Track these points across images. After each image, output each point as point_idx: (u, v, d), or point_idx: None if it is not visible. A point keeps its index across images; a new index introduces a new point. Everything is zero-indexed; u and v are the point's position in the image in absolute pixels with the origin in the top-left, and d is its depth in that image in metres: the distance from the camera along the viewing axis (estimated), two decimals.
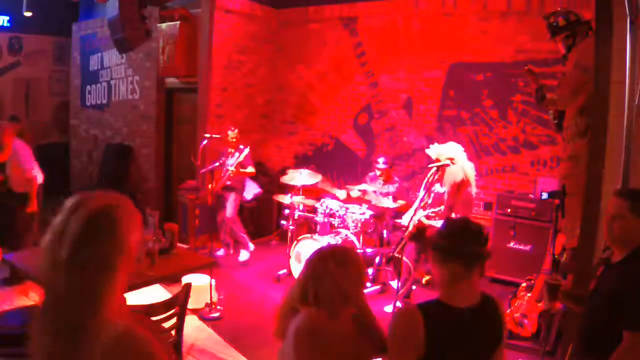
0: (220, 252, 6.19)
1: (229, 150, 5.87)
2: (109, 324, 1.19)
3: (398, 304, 4.19)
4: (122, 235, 1.24)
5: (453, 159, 4.20)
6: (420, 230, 4.35)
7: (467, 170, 4.25)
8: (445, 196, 4.28)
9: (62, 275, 1.18)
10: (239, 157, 5.69)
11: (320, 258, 1.84)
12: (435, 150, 4.32)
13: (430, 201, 4.40)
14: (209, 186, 5.65)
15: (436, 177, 4.35)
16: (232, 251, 6.17)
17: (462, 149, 4.37)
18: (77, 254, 1.18)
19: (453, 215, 4.22)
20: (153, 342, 1.21)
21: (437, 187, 4.38)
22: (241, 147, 5.78)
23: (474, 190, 4.32)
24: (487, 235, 1.83)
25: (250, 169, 5.87)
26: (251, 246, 5.99)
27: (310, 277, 1.81)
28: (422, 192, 4.30)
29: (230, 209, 5.89)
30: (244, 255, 5.94)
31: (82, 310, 1.19)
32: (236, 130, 5.86)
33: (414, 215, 4.22)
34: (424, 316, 1.67)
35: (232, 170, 5.67)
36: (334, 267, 1.78)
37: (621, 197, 2.17)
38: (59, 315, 1.20)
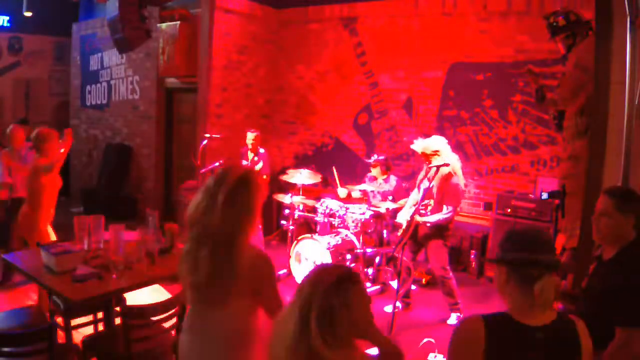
0: None
1: (248, 152, 5.80)
2: (249, 247, 1.92)
3: (398, 304, 4.20)
4: (258, 192, 1.94)
5: (438, 151, 4.20)
6: (414, 228, 4.35)
7: (452, 162, 4.25)
8: (434, 190, 4.28)
9: (218, 214, 1.84)
10: (257, 163, 5.62)
11: (324, 288, 1.48)
12: (420, 145, 4.32)
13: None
14: None
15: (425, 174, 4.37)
16: None
17: (446, 141, 4.37)
18: (232, 200, 1.85)
19: (444, 207, 4.22)
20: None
21: (425, 183, 4.38)
22: (261, 151, 5.74)
23: (461, 181, 4.31)
24: (553, 242, 1.73)
25: (263, 177, 5.78)
26: None
27: (320, 315, 1.45)
28: (421, 192, 4.30)
29: None
30: None
31: (233, 236, 1.87)
32: (256, 134, 5.74)
33: (413, 214, 4.21)
34: (486, 329, 1.54)
35: None
36: (347, 296, 1.48)
37: (607, 195, 2.21)
38: (214, 239, 1.86)
